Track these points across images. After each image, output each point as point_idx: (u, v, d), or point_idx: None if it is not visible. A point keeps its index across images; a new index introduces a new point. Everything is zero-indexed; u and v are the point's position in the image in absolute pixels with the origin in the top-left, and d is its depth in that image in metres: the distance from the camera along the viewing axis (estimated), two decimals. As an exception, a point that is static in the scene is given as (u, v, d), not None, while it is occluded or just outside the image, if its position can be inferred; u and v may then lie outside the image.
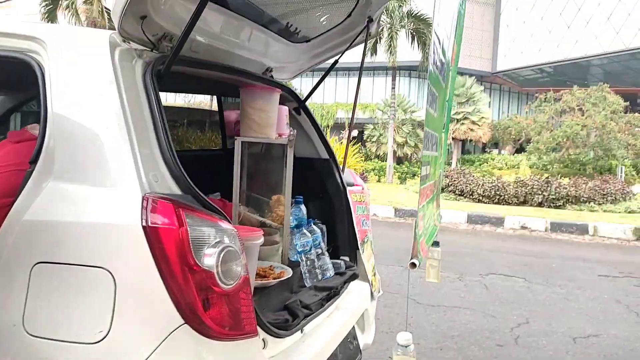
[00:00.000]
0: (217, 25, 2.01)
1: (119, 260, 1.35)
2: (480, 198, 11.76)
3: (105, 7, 14.16)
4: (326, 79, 2.90)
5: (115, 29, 1.58)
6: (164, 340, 1.33)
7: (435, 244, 2.74)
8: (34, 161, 1.49)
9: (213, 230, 1.43)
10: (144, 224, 1.34)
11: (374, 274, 2.69)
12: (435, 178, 2.59)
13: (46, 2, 13.68)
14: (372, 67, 25.68)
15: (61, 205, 1.42)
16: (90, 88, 1.52)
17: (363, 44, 2.60)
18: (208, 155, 3.34)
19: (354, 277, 2.42)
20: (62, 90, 1.53)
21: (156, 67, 1.60)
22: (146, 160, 1.44)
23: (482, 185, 11.92)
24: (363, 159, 21.01)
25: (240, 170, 2.27)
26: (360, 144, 22.52)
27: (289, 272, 2.11)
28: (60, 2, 13.44)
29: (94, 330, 1.33)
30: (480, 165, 23.43)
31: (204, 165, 2.78)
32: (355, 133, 24.57)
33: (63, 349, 1.34)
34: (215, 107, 3.36)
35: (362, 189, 2.79)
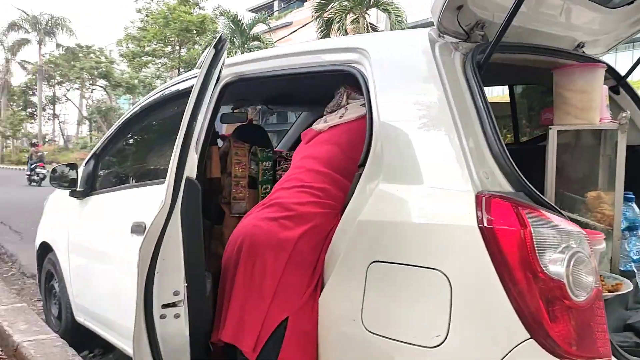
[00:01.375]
0: (528, 2, 1.80)
1: (454, 263, 1.28)
2: None
3: (370, 23, 15.29)
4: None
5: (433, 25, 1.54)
6: (507, 353, 1.20)
7: None
8: (362, 164, 1.56)
9: (558, 233, 1.24)
10: (481, 224, 1.24)
11: None
12: None
13: (321, 28, 15.62)
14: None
15: (392, 206, 1.44)
16: (413, 87, 1.51)
17: None
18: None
19: None
20: (386, 94, 1.56)
21: (475, 57, 1.50)
22: (475, 156, 1.34)
23: None
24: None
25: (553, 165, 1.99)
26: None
27: (627, 285, 1.73)
28: (332, 27, 15.14)
29: (431, 334, 1.29)
30: None
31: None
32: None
33: (401, 349, 1.34)
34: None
35: None
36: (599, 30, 2.19)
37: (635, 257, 1.87)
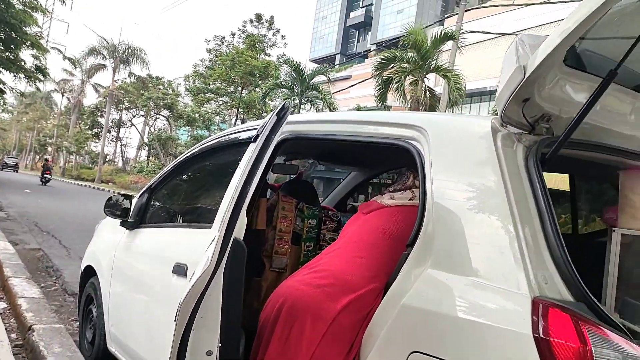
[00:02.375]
0: (601, 101, 1.76)
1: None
2: None
3: (428, 87, 15.42)
4: None
5: (497, 114, 1.52)
6: None
7: None
8: (411, 244, 1.52)
9: (620, 356, 1.14)
10: (536, 334, 1.16)
11: None
12: None
13: (379, 86, 15.87)
14: None
15: (439, 295, 1.38)
16: (471, 173, 1.48)
17: None
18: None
19: None
20: (441, 176, 1.53)
21: (539, 151, 1.46)
22: (534, 256, 1.27)
23: None
24: None
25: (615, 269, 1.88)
26: None
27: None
28: (390, 86, 15.36)
29: None
30: None
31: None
32: None
33: None
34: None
35: None
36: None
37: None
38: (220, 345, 1.45)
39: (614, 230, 1.82)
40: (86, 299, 3.71)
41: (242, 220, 1.44)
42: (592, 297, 1.24)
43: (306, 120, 2.37)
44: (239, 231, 1.45)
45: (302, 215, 2.69)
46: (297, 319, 1.54)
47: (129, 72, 35.93)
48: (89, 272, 3.70)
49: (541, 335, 1.15)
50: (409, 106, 15.62)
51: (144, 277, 2.83)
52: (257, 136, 1.54)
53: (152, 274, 2.71)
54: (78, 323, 3.94)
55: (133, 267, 3.07)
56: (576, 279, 1.25)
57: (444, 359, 1.29)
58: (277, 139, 2.19)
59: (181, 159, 3.20)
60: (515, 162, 1.46)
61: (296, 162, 4.23)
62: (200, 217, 2.91)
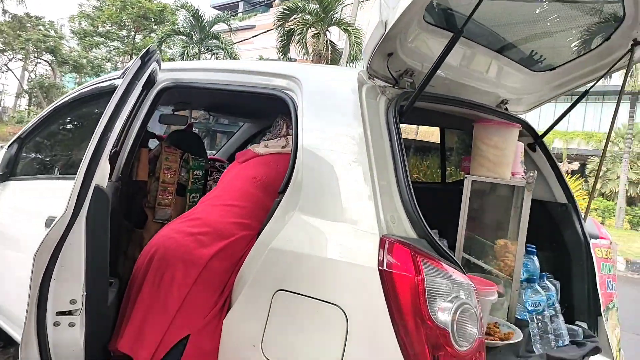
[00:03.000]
0: (458, 58, 1.92)
1: (353, 301, 1.33)
2: None
3: (330, 41, 15.46)
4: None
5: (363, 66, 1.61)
6: (391, 394, 1.25)
7: None
8: (282, 191, 1.59)
9: (449, 283, 1.32)
10: (381, 267, 1.29)
11: (619, 350, 2.23)
12: None
13: (281, 38, 15.64)
14: (601, 92, 22.59)
15: (303, 237, 1.47)
16: (337, 124, 1.56)
17: (623, 71, 2.21)
18: (426, 189, 3.26)
19: (595, 350, 2.03)
20: (311, 126, 1.60)
21: (399, 104, 1.57)
22: (385, 199, 1.40)
23: None
24: (585, 196, 18.53)
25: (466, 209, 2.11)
26: (581, 179, 19.92)
27: (518, 335, 1.86)
28: (292, 38, 15.19)
29: (324, 367, 1.32)
30: None
31: (420, 198, 2.70)
32: (575, 166, 21.86)
33: (294, 379, 1.36)
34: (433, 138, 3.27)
35: (610, 243, 2.35)
36: (522, 90, 2.36)
37: (530, 308, 2.00)
38: (85, 293, 1.44)
39: (466, 177, 2.03)
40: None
41: (104, 167, 1.41)
42: (432, 234, 1.40)
43: (185, 68, 2.32)
44: (101, 179, 1.42)
45: (188, 166, 2.66)
46: (169, 265, 1.57)
47: (2, 10, 31.71)
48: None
49: (385, 268, 1.29)
50: (311, 59, 15.62)
51: (15, 233, 2.66)
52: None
53: (24, 229, 2.55)
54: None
55: (3, 223, 2.86)
56: (419, 218, 1.40)
57: (304, 294, 1.40)
58: (156, 87, 2.14)
59: (53, 106, 2.97)
60: (377, 113, 1.56)
61: (197, 113, 4.11)
62: (74, 168, 2.76)
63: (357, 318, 1.31)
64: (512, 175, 2.14)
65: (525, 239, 2.01)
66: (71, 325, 1.42)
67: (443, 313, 1.27)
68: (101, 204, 1.42)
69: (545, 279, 2.09)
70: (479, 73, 2.12)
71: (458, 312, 1.27)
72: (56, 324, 1.40)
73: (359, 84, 1.59)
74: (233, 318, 1.54)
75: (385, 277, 1.28)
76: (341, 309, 1.32)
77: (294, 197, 1.55)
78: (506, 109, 2.38)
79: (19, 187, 2.86)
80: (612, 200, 17.88)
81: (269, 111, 2.70)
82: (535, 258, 2.14)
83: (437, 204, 2.64)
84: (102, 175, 1.40)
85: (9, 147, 3.06)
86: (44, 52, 30.26)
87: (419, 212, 1.41)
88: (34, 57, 31.63)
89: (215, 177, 2.78)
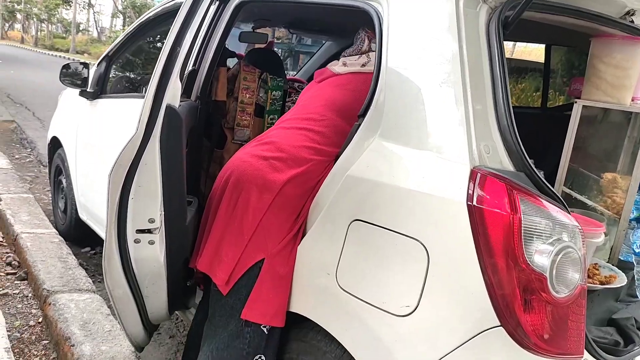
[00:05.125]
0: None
1: (436, 236, 1.22)
2: None
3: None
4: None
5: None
6: (473, 337, 1.16)
7: None
8: (362, 115, 1.46)
9: (550, 223, 1.15)
10: (470, 202, 1.16)
11: None
12: None
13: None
14: None
15: (384, 166, 1.35)
16: (427, 38, 1.37)
17: None
18: (522, 113, 2.95)
19: None
20: (398, 42, 1.42)
21: (503, 14, 1.33)
22: (480, 126, 1.23)
23: None
24: None
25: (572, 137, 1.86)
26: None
27: (621, 279, 1.66)
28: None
29: (401, 303, 1.25)
30: None
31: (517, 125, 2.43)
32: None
33: (370, 311, 1.31)
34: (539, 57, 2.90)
35: None
36: (656, -4, 1.96)
37: (637, 250, 1.79)
38: (163, 212, 1.45)
39: (576, 102, 1.76)
40: (55, 170, 3.71)
41: (175, 86, 1.35)
42: (533, 167, 1.23)
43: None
44: (173, 98, 1.37)
45: (266, 86, 2.58)
46: (244, 189, 1.53)
47: None
48: (56, 144, 3.65)
49: (475, 203, 1.15)
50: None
51: (106, 148, 2.79)
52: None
53: (114, 144, 2.66)
54: (51, 194, 3.99)
55: (96, 138, 3.01)
56: (519, 148, 1.22)
57: (382, 226, 1.31)
58: (232, 3, 2.03)
59: (137, 23, 2.98)
60: (476, 25, 1.34)
61: (280, 32, 3.97)
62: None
63: (439, 254, 1.20)
64: (632, 100, 1.83)
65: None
66: (151, 243, 1.46)
67: (541, 256, 1.13)
68: (174, 124, 1.39)
69: (660, 220, 1.83)
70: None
71: (559, 256, 1.12)
72: (136, 241, 1.44)
73: (457, -9, 1.36)
74: (307, 245, 1.50)
75: (476, 214, 1.14)
76: (422, 243, 1.22)
77: (375, 121, 1.41)
78: (632, 21, 2.01)
79: (109, 105, 2.96)
80: None
81: (352, 27, 2.50)
82: (650, 196, 1.88)
83: (535, 131, 2.38)
84: (173, 95, 1.35)
85: (98, 65, 3.15)
86: (135, -28, 30.91)
87: (519, 141, 1.23)
88: (126, -24, 32.46)
89: (293, 98, 2.68)
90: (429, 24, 1.38)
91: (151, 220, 1.43)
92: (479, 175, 1.17)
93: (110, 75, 3.17)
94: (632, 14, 2.00)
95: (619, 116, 2.01)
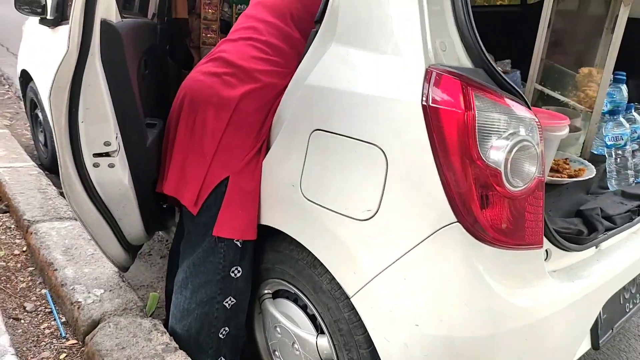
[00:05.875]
0: None
1: (393, 140, 1.20)
2: None
3: None
4: None
5: None
6: (432, 234, 1.19)
7: None
8: (318, 20, 1.39)
9: (506, 118, 1.14)
10: (424, 102, 1.13)
11: None
12: None
13: None
14: None
15: (340, 71, 1.31)
16: None
17: None
18: (501, 12, 2.83)
19: (680, 188, 1.82)
20: None
21: None
22: (436, 22, 1.17)
23: None
24: None
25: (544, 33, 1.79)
26: None
27: (590, 171, 1.68)
28: None
29: (362, 207, 1.27)
30: None
31: (495, 24, 2.33)
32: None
33: (333, 218, 1.34)
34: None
35: None
36: None
37: (609, 143, 1.78)
38: (119, 135, 1.42)
39: (547, -8, 1.68)
40: (30, 103, 3.63)
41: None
42: (492, 63, 1.19)
43: None
44: (107, 11, 1.28)
45: (230, 0, 2.45)
46: (199, 109, 1.50)
47: None
48: (27, 77, 3.54)
49: (429, 103, 1.12)
50: None
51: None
52: None
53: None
54: (30, 129, 3.94)
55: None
56: (477, 44, 1.18)
57: (342, 133, 1.29)
58: None
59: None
60: None
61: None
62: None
63: (397, 157, 1.20)
64: (609, -15, 1.74)
65: (613, 65, 1.71)
66: (111, 166, 1.44)
67: (497, 151, 1.12)
68: (113, 40, 1.31)
69: (632, 110, 1.82)
70: None
71: (514, 150, 1.12)
72: (96, 165, 1.43)
73: None
74: (272, 159, 1.50)
75: (430, 114, 1.12)
76: (380, 148, 1.21)
77: (331, 26, 1.35)
78: None
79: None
80: None
81: None
82: (623, 87, 1.85)
83: (515, 29, 2.29)
84: (107, 7, 1.26)
85: (57, -11, 2.96)
86: None
87: (477, 35, 1.18)
88: None
89: (262, 9, 2.55)
90: None
91: (107, 144, 1.40)
92: (433, 73, 1.13)
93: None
94: None
95: (597, 6, 1.93)
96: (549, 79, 2.02)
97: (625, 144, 1.77)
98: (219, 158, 1.49)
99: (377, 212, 1.24)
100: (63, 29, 2.89)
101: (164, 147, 1.65)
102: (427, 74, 1.14)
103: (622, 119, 1.77)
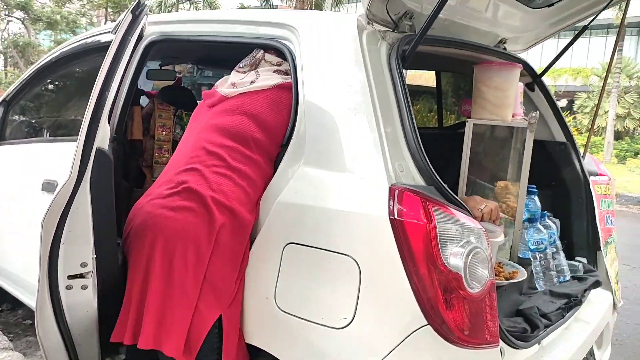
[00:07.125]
0: (459, -2, 1.85)
1: (365, 250, 1.34)
2: None
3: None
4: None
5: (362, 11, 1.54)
6: (405, 338, 1.29)
7: None
8: (285, 144, 1.56)
9: (460, 228, 1.32)
10: (392, 216, 1.29)
11: (617, 282, 2.30)
12: None
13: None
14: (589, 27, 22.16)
15: (311, 190, 1.46)
16: (338, 73, 1.52)
17: (623, 4, 2.16)
18: (423, 133, 3.22)
19: (596, 284, 2.09)
20: (311, 76, 1.56)
21: (400, 48, 1.52)
22: (393, 148, 1.39)
23: None
24: (574, 132, 18.63)
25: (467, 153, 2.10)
26: (570, 115, 19.97)
27: (522, 273, 1.90)
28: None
29: (339, 316, 1.35)
30: None
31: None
32: (563, 103, 21.86)
33: (310, 328, 1.39)
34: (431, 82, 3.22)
35: (608, 179, 2.38)
36: (520, 28, 2.30)
37: (532, 247, 2.04)
38: (95, 256, 1.43)
39: (467, 121, 2.01)
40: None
41: (104, 129, 1.36)
42: (440, 181, 1.40)
43: (175, 20, 2.22)
44: (102, 141, 1.37)
45: (182, 122, 2.61)
46: (176, 249, 1.47)
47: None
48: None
49: (396, 217, 1.28)
50: (294, 5, 15.12)
51: (11, 199, 2.62)
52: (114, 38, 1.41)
53: (20, 194, 2.52)
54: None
55: (-3, 189, 2.82)
56: (427, 166, 1.39)
57: (314, 246, 1.41)
58: (144, 42, 2.05)
59: (37, 66, 2.86)
60: (379, 59, 1.51)
61: (180, 67, 3.99)
62: (68, 129, 2.69)
63: (369, 266, 1.32)
64: (513, 116, 2.12)
65: (527, 180, 2.02)
66: (84, 287, 1.42)
67: (455, 258, 1.28)
68: (104, 166, 1.39)
69: (546, 218, 2.12)
70: (478, 12, 2.05)
71: (470, 256, 1.29)
72: (68, 287, 1.40)
73: (359, 30, 1.53)
74: (248, 273, 1.55)
75: (397, 226, 1.28)
76: (353, 259, 1.33)
77: (298, 149, 1.53)
78: (504, 49, 2.33)
79: (10, 152, 2.80)
80: (600, 136, 18.02)
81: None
82: (536, 198, 2.16)
83: (434, 148, 2.62)
84: (103, 137, 1.36)
85: (-7, 111, 2.96)
86: (14, 10, 28.99)
87: (427, 159, 1.40)
88: (5, 14, 30.30)
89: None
90: (339, 60, 1.53)
91: (83, 265, 1.40)
92: (396, 191, 1.31)
93: (9, 122, 3.00)
94: (504, 42, 2.34)
95: (504, 131, 2.30)
96: (473, 192, 2.32)
97: (545, 248, 2.03)
98: (206, 297, 1.48)
99: (353, 319, 1.33)
100: (1, 150, 2.84)
101: (128, 291, 1.54)
102: (391, 192, 1.32)
103: (539, 226, 2.06)
